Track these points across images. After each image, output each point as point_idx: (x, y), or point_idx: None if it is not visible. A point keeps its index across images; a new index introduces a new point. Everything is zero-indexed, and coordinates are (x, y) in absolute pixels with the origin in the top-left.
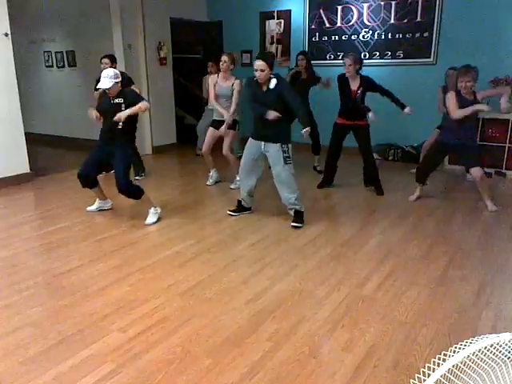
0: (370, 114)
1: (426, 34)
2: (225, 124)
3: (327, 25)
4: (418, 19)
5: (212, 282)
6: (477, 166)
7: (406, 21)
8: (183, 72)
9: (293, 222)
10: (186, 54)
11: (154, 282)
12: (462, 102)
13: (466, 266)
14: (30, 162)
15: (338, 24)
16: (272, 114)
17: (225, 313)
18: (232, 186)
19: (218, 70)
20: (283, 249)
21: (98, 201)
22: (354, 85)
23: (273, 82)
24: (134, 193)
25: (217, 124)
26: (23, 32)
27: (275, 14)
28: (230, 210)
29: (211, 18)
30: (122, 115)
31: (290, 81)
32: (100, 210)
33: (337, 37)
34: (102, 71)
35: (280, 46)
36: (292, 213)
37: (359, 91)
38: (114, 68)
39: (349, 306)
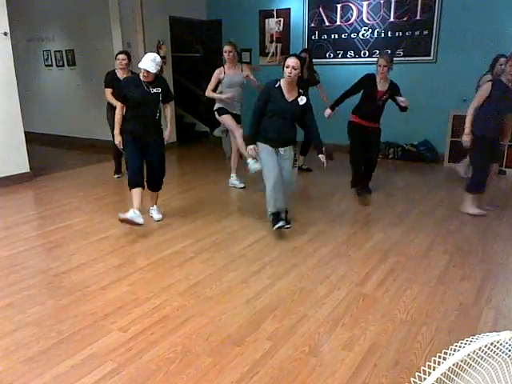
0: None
1: (425, 32)
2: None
3: (327, 23)
4: (418, 17)
5: (212, 281)
6: (499, 161)
7: (405, 19)
8: (182, 71)
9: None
10: (186, 52)
11: (154, 282)
12: (505, 92)
13: (467, 265)
14: (29, 161)
15: (338, 22)
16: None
17: (225, 312)
18: (241, 185)
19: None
20: (283, 248)
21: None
22: (382, 86)
23: (303, 100)
24: (161, 184)
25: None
26: (22, 31)
27: (274, 13)
28: (284, 226)
29: (210, 17)
30: (168, 137)
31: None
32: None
33: (336, 35)
34: (115, 69)
35: (279, 45)
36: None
37: (386, 95)
38: (128, 65)
39: (349, 305)
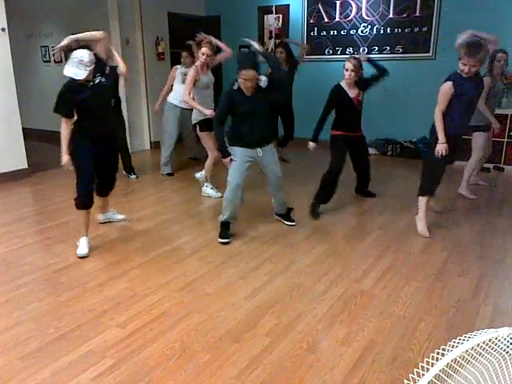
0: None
1: (425, 29)
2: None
3: (326, 19)
4: (417, 13)
5: (210, 277)
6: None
7: (405, 15)
8: None
9: (289, 221)
10: (184, 49)
11: (153, 278)
12: (466, 85)
13: (465, 261)
14: (27, 157)
15: (337, 19)
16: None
17: (223, 308)
18: (217, 195)
19: (192, 63)
20: (281, 245)
21: (106, 212)
22: (353, 92)
23: (262, 80)
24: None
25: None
26: (20, 26)
27: (273, 9)
28: (221, 240)
29: (209, 13)
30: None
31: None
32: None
33: (335, 31)
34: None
35: (278, 41)
36: (284, 212)
37: (361, 96)
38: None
39: (347, 301)
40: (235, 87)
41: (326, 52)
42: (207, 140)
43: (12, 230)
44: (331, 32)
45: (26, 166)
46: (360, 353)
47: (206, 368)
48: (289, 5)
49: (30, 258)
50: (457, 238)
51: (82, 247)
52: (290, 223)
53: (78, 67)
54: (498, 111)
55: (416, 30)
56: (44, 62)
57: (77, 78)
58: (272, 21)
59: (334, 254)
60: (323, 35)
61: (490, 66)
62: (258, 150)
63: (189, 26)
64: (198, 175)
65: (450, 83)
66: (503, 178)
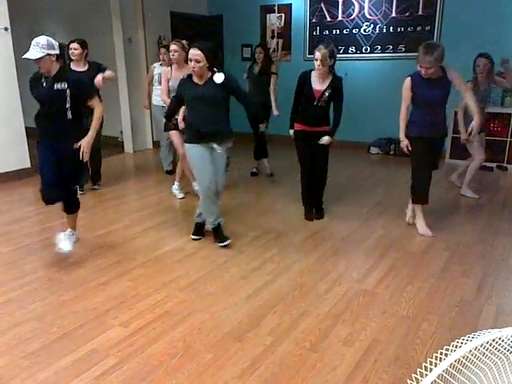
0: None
1: (427, 28)
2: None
3: (328, 18)
4: (420, 12)
5: (213, 277)
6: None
7: (407, 14)
8: None
9: (220, 241)
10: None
11: (155, 277)
12: (418, 88)
13: (467, 261)
14: (30, 156)
15: (339, 18)
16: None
17: (226, 307)
18: (180, 196)
19: (170, 60)
20: (283, 244)
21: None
22: (320, 85)
23: (219, 77)
24: (76, 204)
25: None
26: (23, 26)
27: (276, 8)
28: (221, 244)
29: (212, 12)
30: (84, 146)
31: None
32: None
33: (338, 31)
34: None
35: (281, 40)
36: (212, 227)
37: (326, 94)
38: (86, 54)
39: (350, 301)
40: (185, 76)
41: None
42: (177, 138)
43: (14, 230)
44: (334, 31)
45: (29, 166)
46: (363, 352)
47: (208, 367)
48: (291, 4)
49: (33, 257)
50: (459, 237)
51: (64, 242)
52: (223, 243)
53: (33, 49)
54: (501, 110)
55: (419, 28)
56: None
57: (30, 57)
58: (274, 20)
59: (336, 253)
60: (326, 34)
61: (473, 72)
62: (214, 145)
63: (191, 25)
64: (175, 187)
65: (408, 78)
66: (506, 177)
